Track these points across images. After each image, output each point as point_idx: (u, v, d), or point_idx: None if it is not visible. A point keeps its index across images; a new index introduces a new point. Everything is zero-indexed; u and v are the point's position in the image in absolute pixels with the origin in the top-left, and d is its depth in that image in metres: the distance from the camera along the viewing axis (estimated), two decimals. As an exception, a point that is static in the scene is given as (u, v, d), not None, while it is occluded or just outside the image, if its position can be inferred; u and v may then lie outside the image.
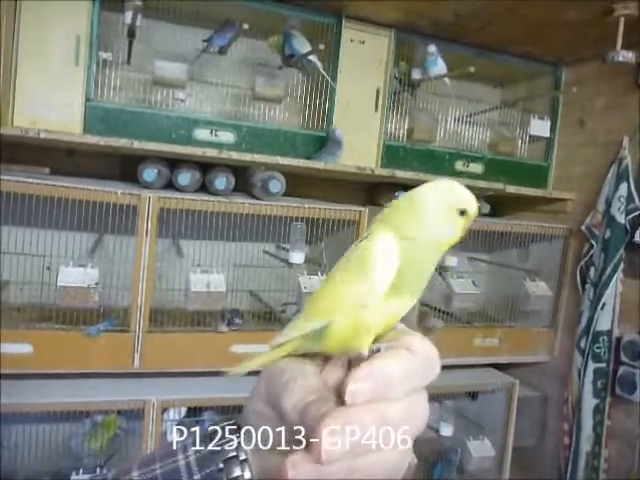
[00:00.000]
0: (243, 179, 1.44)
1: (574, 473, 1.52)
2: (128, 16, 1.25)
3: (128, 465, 0.36)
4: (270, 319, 1.44)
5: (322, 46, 1.36)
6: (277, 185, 1.37)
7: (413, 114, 1.63)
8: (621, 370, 1.46)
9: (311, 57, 1.40)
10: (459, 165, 1.68)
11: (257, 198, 1.39)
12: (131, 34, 1.30)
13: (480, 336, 1.64)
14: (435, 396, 1.65)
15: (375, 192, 1.80)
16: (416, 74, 1.56)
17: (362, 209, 1.43)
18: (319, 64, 1.42)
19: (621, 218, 1.49)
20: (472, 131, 1.74)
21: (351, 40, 1.49)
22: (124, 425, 1.39)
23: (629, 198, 1.48)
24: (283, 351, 0.37)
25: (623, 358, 1.46)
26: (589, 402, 1.51)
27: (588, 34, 1.40)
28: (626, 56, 1.19)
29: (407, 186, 1.63)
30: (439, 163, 1.65)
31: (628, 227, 1.48)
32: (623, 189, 1.49)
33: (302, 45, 1.40)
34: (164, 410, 1.32)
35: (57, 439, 1.37)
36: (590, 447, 1.51)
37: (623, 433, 1.47)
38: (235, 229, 1.42)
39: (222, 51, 1.37)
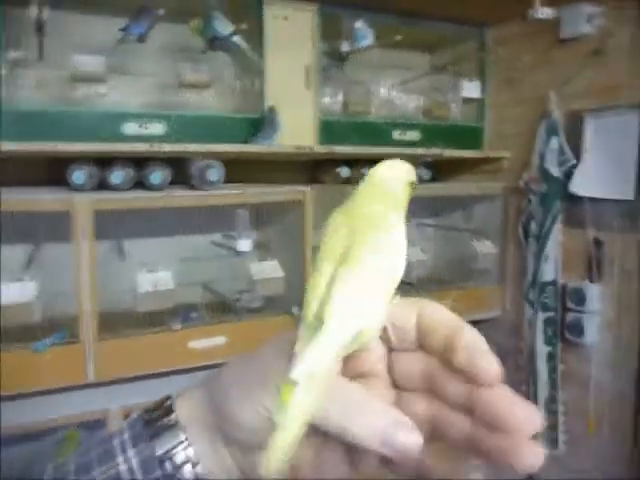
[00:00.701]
0: (181, 170, 1.39)
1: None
2: (33, 9, 1.17)
3: (65, 466, 0.34)
4: (225, 310, 1.41)
5: (245, 26, 1.32)
6: (216, 173, 1.33)
7: (346, 87, 1.62)
8: (569, 316, 1.53)
9: (235, 38, 1.36)
10: (396, 134, 1.68)
11: (196, 189, 1.35)
12: (39, 28, 1.22)
13: (434, 301, 1.67)
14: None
15: (316, 169, 1.79)
16: (345, 47, 1.54)
17: (305, 189, 1.42)
18: (244, 45, 1.38)
19: (555, 171, 1.54)
20: (406, 99, 1.74)
21: (274, 17, 1.45)
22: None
23: (561, 151, 1.53)
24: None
25: (569, 305, 1.52)
26: (542, 350, 1.57)
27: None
28: (546, 13, 1.21)
29: (347, 161, 1.63)
30: (376, 134, 1.64)
31: (562, 179, 1.54)
32: (554, 143, 1.54)
33: (225, 27, 1.35)
34: (126, 417, 1.28)
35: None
36: (547, 392, 1.58)
37: (576, 376, 1.54)
38: (178, 223, 1.38)
39: (141, 39, 1.31)
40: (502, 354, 1.54)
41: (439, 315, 0.32)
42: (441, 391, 0.31)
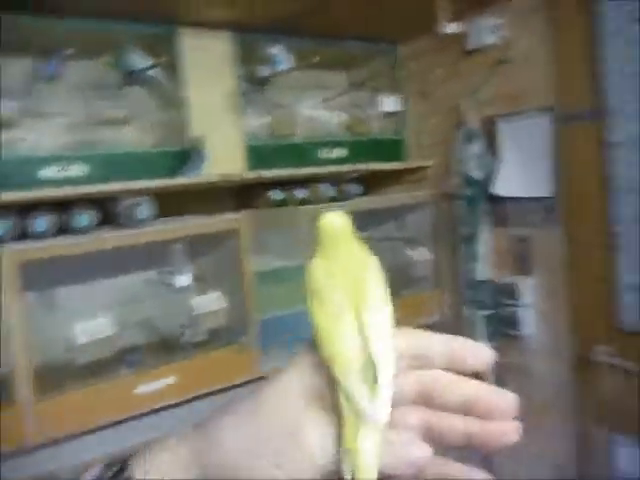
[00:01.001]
0: (108, 210, 1.34)
1: (485, 415, 1.65)
2: None
3: None
4: (170, 349, 1.37)
5: (161, 58, 1.30)
6: (145, 210, 1.30)
7: (269, 111, 1.63)
8: (505, 311, 1.60)
9: (151, 71, 1.34)
10: (323, 153, 1.70)
11: (126, 227, 1.30)
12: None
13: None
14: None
15: (247, 194, 1.78)
16: (264, 71, 1.55)
17: (239, 217, 1.41)
18: (161, 77, 1.36)
19: (477, 175, 1.61)
20: (329, 117, 1.78)
21: (192, 47, 1.44)
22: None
23: (479, 156, 1.61)
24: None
25: (504, 300, 1.60)
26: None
27: (416, 9, 1.48)
28: (453, 27, 1.27)
29: (279, 183, 1.63)
30: (304, 154, 1.66)
31: (484, 182, 1.61)
32: (473, 149, 1.61)
33: (140, 60, 1.33)
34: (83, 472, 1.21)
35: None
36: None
37: (518, 366, 1.60)
38: (111, 264, 1.33)
39: (52, 79, 1.26)
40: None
41: (427, 342, 0.37)
42: (435, 401, 0.35)
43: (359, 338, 0.33)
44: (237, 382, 1.40)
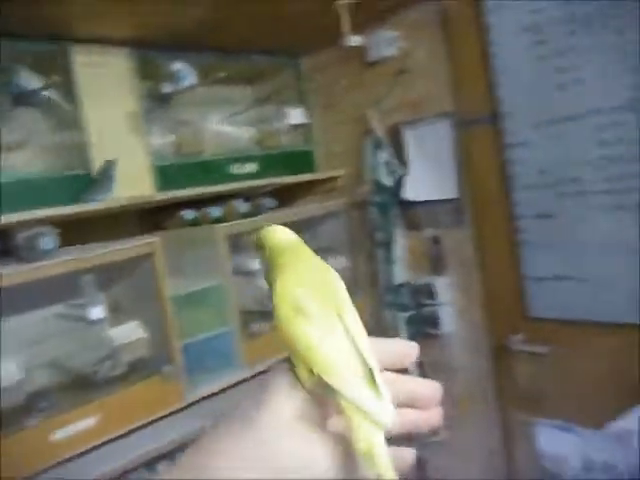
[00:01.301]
0: (7, 242, 1.23)
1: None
2: None
3: None
4: (87, 386, 1.27)
5: (55, 77, 1.22)
6: (49, 241, 1.20)
7: (175, 129, 1.58)
8: (425, 311, 1.65)
9: (44, 92, 1.25)
10: (234, 168, 1.68)
11: (28, 261, 1.20)
12: None
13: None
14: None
15: (158, 215, 1.71)
16: (167, 88, 1.50)
17: (154, 240, 1.34)
18: (56, 98, 1.28)
19: (387, 181, 1.66)
20: (237, 132, 1.75)
21: (86, 65, 1.36)
22: None
23: (389, 163, 1.66)
24: None
25: (423, 301, 1.65)
26: (408, 349, 1.67)
27: (318, 23, 1.50)
28: (355, 40, 1.30)
29: (190, 203, 1.58)
30: (214, 171, 1.62)
31: (395, 188, 1.66)
32: (382, 156, 1.66)
33: (31, 80, 1.23)
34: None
35: None
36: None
37: (441, 363, 1.66)
38: (14, 302, 1.22)
39: None
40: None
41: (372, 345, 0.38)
42: None
43: (351, 345, 0.35)
44: (163, 414, 1.33)
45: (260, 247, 0.43)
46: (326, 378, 0.33)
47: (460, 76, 1.46)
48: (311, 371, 0.34)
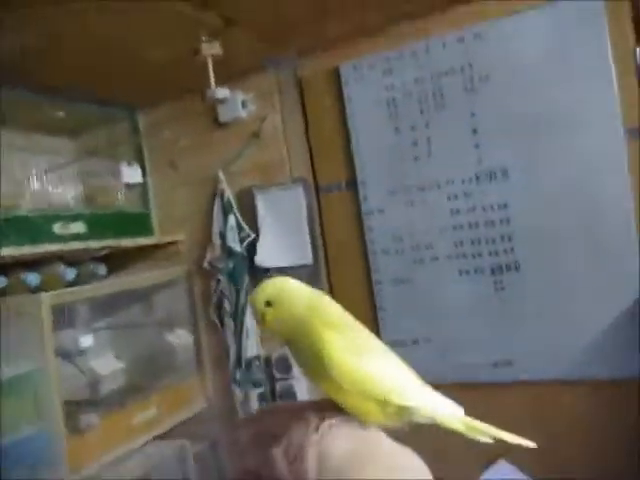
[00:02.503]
0: None
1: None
2: None
3: None
4: None
5: None
6: None
7: (-15, 177, 1.28)
8: (279, 386, 1.54)
9: None
10: (58, 228, 1.42)
11: None
12: None
13: (138, 413, 1.44)
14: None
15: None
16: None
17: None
18: None
19: (237, 247, 1.56)
20: (63, 187, 1.50)
21: None
22: None
23: (239, 227, 1.57)
24: None
25: (277, 375, 1.54)
26: (261, 429, 1.52)
27: (164, 76, 1.39)
28: (223, 93, 1.23)
29: (2, 267, 1.28)
30: (35, 230, 1.35)
31: (246, 254, 1.57)
32: (232, 220, 1.56)
33: None
34: None
35: None
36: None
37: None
38: None
39: None
40: (216, 446, 1.41)
41: None
42: None
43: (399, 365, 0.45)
44: None
45: (272, 303, 0.43)
46: (403, 401, 0.41)
47: (317, 143, 1.47)
48: (382, 403, 0.40)
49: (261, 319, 0.43)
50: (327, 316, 0.43)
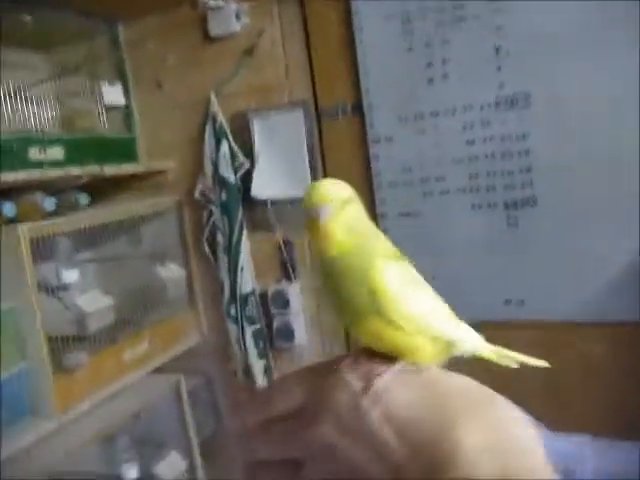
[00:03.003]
0: None
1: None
2: None
3: None
4: None
5: None
6: None
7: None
8: (276, 322, 1.48)
9: None
10: (34, 153, 1.29)
11: None
12: None
13: (129, 349, 1.38)
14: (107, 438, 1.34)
15: None
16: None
17: None
18: None
19: (232, 177, 1.45)
20: (38, 109, 1.35)
21: None
22: None
23: (233, 155, 1.45)
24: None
25: (274, 310, 1.47)
26: (258, 365, 1.48)
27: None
28: (216, 2, 1.07)
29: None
30: (7, 155, 1.22)
31: (240, 184, 1.46)
32: (225, 147, 1.44)
33: None
34: None
35: None
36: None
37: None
38: None
39: None
40: (211, 382, 1.36)
41: None
42: None
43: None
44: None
45: (348, 205, 0.35)
46: (453, 335, 0.37)
47: (319, 61, 1.33)
48: (433, 339, 0.35)
49: (333, 218, 0.34)
50: (384, 242, 0.37)
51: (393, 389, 0.32)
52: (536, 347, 1.18)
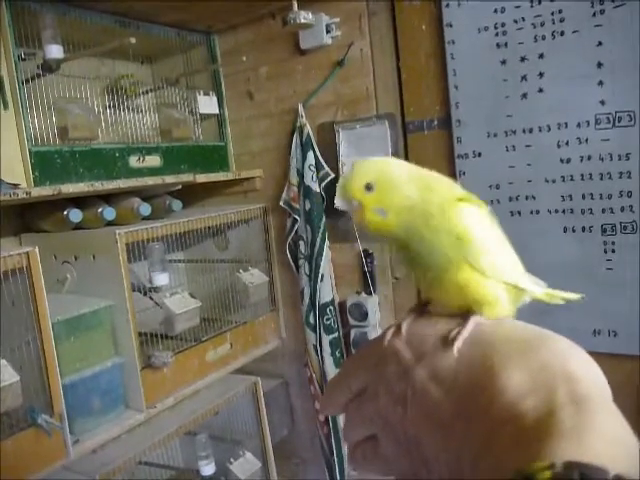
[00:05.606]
0: None
1: (338, 443, 1.51)
2: None
3: None
4: None
5: None
6: None
7: (61, 106, 1.24)
8: (353, 333, 1.48)
9: None
10: (133, 161, 1.38)
11: None
12: None
13: (211, 349, 1.44)
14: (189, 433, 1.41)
15: (30, 213, 1.36)
16: (55, 52, 1.16)
17: (31, 250, 1.02)
18: None
19: (316, 187, 1.47)
20: (137, 118, 1.44)
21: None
22: None
23: (318, 165, 1.47)
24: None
25: (352, 322, 1.48)
26: (333, 374, 1.49)
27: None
28: (306, 17, 1.09)
29: (75, 200, 1.27)
30: (109, 163, 1.32)
31: (324, 194, 1.47)
32: (311, 158, 1.46)
33: None
34: None
35: None
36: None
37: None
38: None
39: None
40: (288, 385, 1.39)
41: None
42: None
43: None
44: (43, 472, 1.03)
45: (374, 186, 0.34)
46: (527, 285, 0.37)
47: (408, 74, 1.31)
48: (510, 289, 0.35)
49: (359, 209, 0.33)
50: (455, 189, 0.36)
51: (440, 348, 0.31)
52: (622, 382, 1.10)
